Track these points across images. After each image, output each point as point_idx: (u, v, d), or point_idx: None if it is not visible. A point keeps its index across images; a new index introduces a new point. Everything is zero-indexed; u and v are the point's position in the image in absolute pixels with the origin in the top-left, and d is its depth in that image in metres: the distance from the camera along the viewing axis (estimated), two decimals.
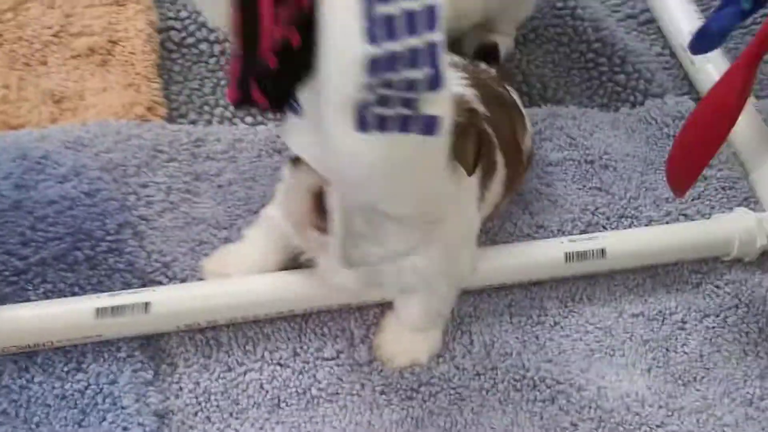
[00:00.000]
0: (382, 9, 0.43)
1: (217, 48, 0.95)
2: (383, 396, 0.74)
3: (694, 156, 0.69)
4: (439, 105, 0.48)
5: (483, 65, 0.82)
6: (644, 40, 1.06)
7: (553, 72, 1.01)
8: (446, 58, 0.48)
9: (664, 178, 0.90)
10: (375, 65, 0.44)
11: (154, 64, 0.92)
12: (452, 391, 0.75)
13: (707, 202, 0.89)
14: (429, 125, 0.48)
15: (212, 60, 0.95)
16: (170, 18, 0.96)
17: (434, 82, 0.47)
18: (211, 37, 0.96)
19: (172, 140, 0.84)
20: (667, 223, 0.87)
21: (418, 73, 0.46)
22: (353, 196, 0.54)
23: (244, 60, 0.49)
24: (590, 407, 0.75)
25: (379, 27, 0.44)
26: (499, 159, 0.75)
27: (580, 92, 1.00)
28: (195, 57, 0.95)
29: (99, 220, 0.76)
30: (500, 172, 0.76)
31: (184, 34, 0.96)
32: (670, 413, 0.76)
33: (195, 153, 0.84)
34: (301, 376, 0.74)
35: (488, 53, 0.87)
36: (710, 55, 0.95)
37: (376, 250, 0.58)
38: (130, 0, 0.95)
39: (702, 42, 0.84)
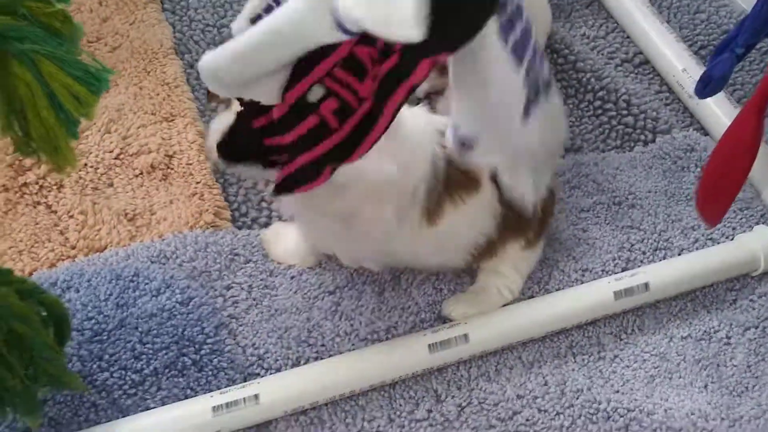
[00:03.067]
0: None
1: None
2: None
3: (721, 192, 0.78)
4: None
5: None
6: (642, 81, 1.16)
7: (567, 123, 1.10)
8: None
9: (687, 209, 1.00)
10: None
11: (210, 171, 1.00)
12: None
13: (728, 225, 0.99)
14: None
15: None
16: None
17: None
18: None
19: (245, 244, 0.92)
20: (696, 249, 0.96)
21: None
22: None
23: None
24: (661, 428, 0.83)
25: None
26: (488, 185, 0.80)
27: (594, 138, 1.09)
28: None
29: (197, 325, 0.84)
30: (487, 200, 0.80)
31: None
32: (732, 423, 0.85)
33: (264, 253, 0.92)
34: None
35: None
36: None
37: None
38: (177, 115, 1.04)
39: (707, 87, 0.94)
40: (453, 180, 0.78)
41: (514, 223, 0.84)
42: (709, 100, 1.09)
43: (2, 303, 0.64)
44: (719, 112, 1.08)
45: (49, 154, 0.50)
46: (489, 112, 0.68)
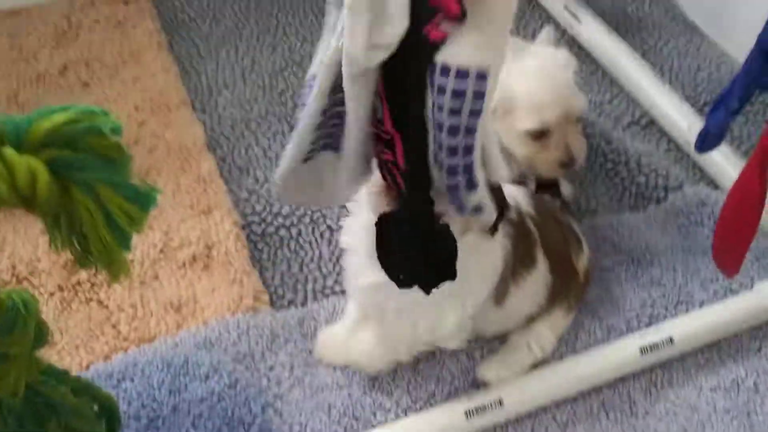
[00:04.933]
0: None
1: (294, 231, 1.10)
2: None
3: (735, 243, 0.82)
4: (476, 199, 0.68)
5: (549, 197, 0.99)
6: (651, 141, 1.22)
7: (581, 188, 1.16)
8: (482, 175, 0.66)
9: (704, 262, 1.03)
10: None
11: (247, 258, 1.06)
12: None
13: (747, 274, 1.02)
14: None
15: (292, 242, 1.10)
16: (248, 214, 1.12)
17: (470, 185, 0.66)
18: (287, 223, 1.11)
19: (283, 324, 0.97)
20: (717, 300, 1.00)
21: (460, 178, 0.66)
22: None
23: None
24: None
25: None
26: (542, 259, 0.89)
27: (609, 200, 1.14)
28: (277, 243, 1.10)
29: (245, 406, 0.88)
30: (542, 273, 0.90)
31: (263, 225, 1.11)
32: None
33: (303, 332, 0.98)
34: None
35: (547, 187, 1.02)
36: None
37: None
38: (213, 207, 1.11)
39: (705, 142, 0.99)
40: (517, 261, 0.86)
41: (560, 289, 0.92)
42: (715, 154, 1.14)
43: (61, 401, 0.70)
44: (727, 165, 1.13)
45: (106, 267, 0.56)
46: None
